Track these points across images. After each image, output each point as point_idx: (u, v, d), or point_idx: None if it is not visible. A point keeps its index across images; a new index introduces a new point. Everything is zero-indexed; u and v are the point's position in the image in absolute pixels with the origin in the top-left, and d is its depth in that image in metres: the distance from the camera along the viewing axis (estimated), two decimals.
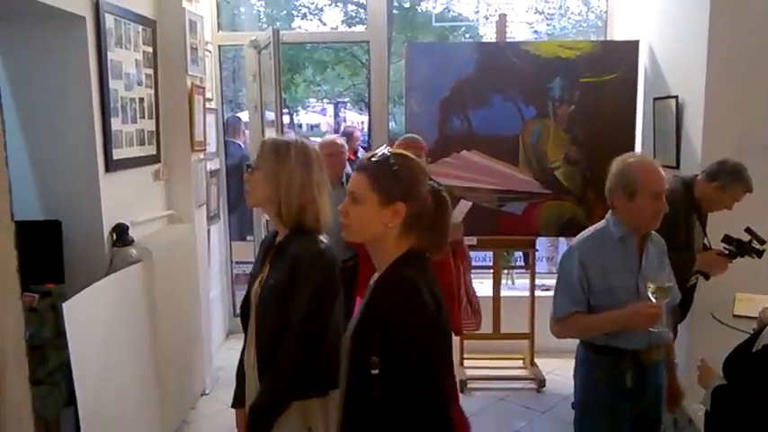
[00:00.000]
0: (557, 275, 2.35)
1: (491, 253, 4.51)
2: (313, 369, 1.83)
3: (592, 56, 4.07)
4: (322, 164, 1.96)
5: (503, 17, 4.28)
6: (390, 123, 6.02)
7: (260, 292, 1.90)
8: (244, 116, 6.26)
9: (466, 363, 4.29)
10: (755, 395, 1.82)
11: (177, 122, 3.77)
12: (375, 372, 1.39)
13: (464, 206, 3.53)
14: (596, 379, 2.26)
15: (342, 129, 9.71)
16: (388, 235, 1.50)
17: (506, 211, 4.14)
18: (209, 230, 4.37)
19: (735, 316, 2.97)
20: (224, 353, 4.65)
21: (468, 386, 4.10)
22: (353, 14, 9.17)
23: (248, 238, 5.20)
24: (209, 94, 4.30)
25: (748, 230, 2.95)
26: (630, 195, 2.15)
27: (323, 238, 1.92)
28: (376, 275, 1.56)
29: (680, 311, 3.11)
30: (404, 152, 1.58)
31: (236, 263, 5.19)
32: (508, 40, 4.34)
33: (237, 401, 2.06)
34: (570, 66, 4.07)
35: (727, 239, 3.03)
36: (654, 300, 2.08)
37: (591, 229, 2.32)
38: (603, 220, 2.30)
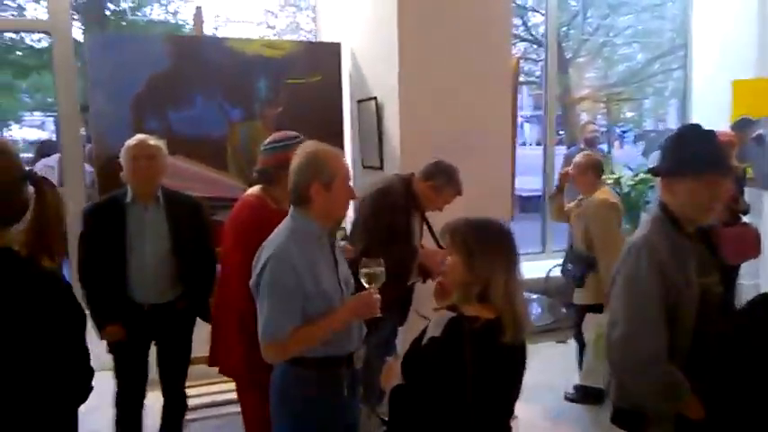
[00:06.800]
0: (263, 289, 1.95)
1: None
2: None
3: (296, 56, 4.00)
4: None
5: (199, 10, 3.97)
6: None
7: None
8: None
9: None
10: (425, 393, 1.68)
11: None
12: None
13: None
14: (311, 397, 2.01)
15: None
16: None
17: (218, 220, 3.82)
18: None
19: (435, 309, 3.08)
20: None
21: (187, 417, 3.66)
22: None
23: None
24: None
25: None
26: (327, 185, 1.98)
27: None
28: None
29: (401, 314, 3.15)
30: None
31: None
32: (208, 35, 4.04)
33: None
34: (276, 66, 3.94)
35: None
36: (368, 286, 2.02)
37: (282, 231, 2.02)
38: (288, 220, 2.05)
